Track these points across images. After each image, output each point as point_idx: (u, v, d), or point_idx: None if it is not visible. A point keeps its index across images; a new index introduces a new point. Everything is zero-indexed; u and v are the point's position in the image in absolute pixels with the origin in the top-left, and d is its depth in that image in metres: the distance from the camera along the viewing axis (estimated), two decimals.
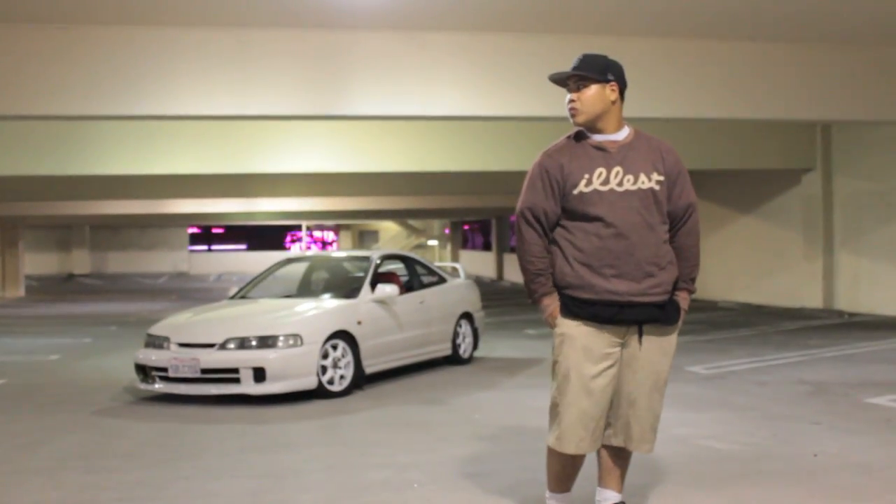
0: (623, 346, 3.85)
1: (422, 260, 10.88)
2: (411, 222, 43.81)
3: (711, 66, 9.95)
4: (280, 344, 8.06)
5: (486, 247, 38.90)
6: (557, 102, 6.72)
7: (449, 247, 42.97)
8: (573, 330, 3.79)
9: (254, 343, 8.06)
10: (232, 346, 8.07)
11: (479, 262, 38.05)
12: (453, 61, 9.36)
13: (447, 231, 43.28)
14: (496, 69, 9.47)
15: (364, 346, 8.70)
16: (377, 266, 9.74)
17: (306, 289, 10.12)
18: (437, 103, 9.48)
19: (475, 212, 32.75)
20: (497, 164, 14.81)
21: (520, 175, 3.89)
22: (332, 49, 9.11)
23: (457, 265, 11.84)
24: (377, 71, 9.22)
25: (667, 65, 9.78)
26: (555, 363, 3.88)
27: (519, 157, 13.98)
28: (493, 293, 24.60)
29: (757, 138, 15.96)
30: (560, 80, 3.86)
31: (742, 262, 19.12)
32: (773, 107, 10.33)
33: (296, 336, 8.13)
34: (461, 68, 9.41)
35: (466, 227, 43.15)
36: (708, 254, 19.76)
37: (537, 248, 3.81)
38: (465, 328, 10.64)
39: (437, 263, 12.85)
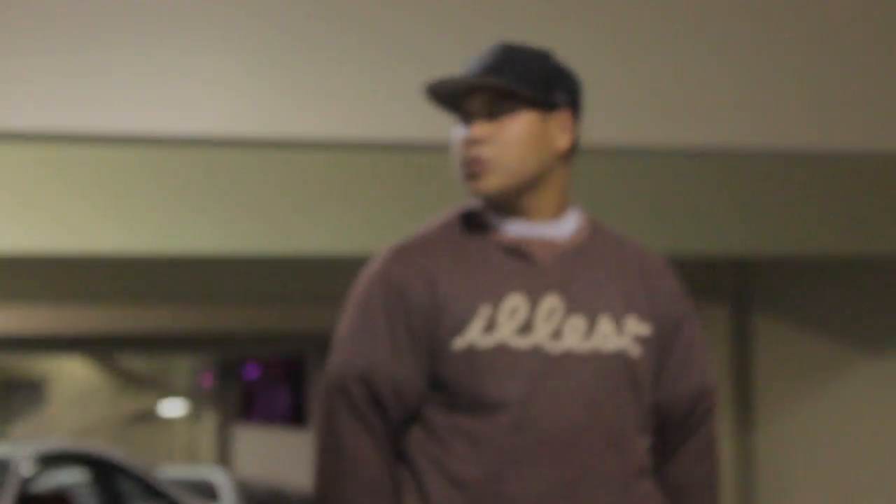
0: None
1: (132, 465, 7.34)
2: (123, 364, 25.48)
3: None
4: None
5: (295, 416, 23.40)
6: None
7: (210, 417, 25.17)
8: None
9: None
10: None
11: (279, 455, 23.06)
12: None
13: (205, 383, 25.32)
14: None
15: None
16: (25, 482, 6.58)
17: None
18: None
19: (270, 340, 18.80)
20: (314, 242, 9.06)
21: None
22: None
23: (216, 471, 7.95)
24: None
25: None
26: None
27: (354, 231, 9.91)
28: None
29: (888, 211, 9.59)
30: (450, 94, 1.66)
31: (869, 455, 11.27)
32: None
33: None
34: None
35: (253, 376, 24.96)
36: (793, 442, 12.29)
37: (370, 464, 1.85)
38: None
39: (175, 467, 8.77)
